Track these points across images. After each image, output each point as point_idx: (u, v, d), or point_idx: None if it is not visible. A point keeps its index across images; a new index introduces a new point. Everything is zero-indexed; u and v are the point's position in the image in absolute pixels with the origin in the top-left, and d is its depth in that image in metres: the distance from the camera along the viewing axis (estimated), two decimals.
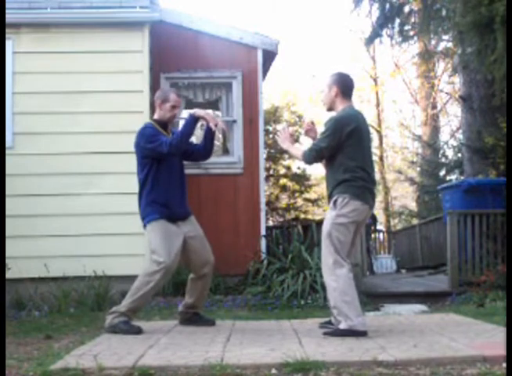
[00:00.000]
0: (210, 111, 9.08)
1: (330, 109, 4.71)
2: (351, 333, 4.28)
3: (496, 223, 7.83)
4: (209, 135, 5.08)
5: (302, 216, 16.80)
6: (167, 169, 4.93)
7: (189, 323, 5.14)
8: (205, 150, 5.13)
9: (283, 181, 16.43)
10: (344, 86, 4.64)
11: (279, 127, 15.57)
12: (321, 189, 24.14)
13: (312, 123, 4.94)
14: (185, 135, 4.88)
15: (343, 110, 4.60)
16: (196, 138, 10.10)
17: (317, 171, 25.40)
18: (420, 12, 12.14)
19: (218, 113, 8.88)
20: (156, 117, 5.09)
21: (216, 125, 4.95)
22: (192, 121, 4.90)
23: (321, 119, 29.00)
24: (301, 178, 18.95)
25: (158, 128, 4.97)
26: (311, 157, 4.61)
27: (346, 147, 4.49)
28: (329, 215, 4.53)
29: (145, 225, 4.94)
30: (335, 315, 4.42)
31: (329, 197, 4.59)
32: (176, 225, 4.90)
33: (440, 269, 10.45)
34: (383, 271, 13.82)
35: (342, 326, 4.33)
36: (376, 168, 26.56)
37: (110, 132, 7.36)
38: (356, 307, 4.37)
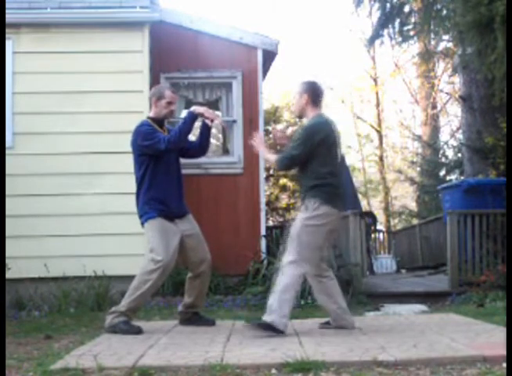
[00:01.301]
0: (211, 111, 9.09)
1: (300, 116, 4.86)
2: (272, 328, 4.39)
3: (496, 223, 7.83)
4: (205, 131, 5.09)
5: None
6: (165, 167, 4.92)
7: (188, 323, 5.14)
8: (201, 147, 5.13)
9: (282, 181, 16.42)
10: (315, 94, 4.74)
11: (279, 127, 15.55)
12: None
13: (282, 131, 5.00)
14: (183, 133, 4.88)
15: (313, 118, 4.70)
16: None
17: None
18: (420, 12, 12.14)
19: (218, 113, 8.87)
20: (151, 114, 5.08)
21: (212, 121, 4.95)
22: (192, 118, 4.91)
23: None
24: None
25: (154, 126, 4.97)
26: (284, 164, 4.73)
27: (317, 154, 4.60)
28: (300, 216, 4.64)
29: (142, 224, 4.95)
30: (268, 304, 4.51)
31: (302, 201, 4.68)
32: (174, 224, 4.90)
33: (440, 269, 10.45)
34: (383, 271, 13.80)
35: (267, 318, 4.45)
36: (376, 168, 26.64)
37: (110, 132, 7.36)
38: (287, 308, 4.46)
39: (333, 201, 4.62)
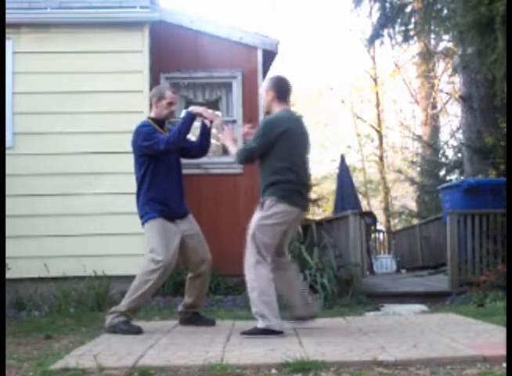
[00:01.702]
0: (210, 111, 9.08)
1: (268, 112, 4.82)
2: (269, 332, 4.37)
3: (496, 223, 7.83)
4: (205, 131, 5.09)
5: None
6: (165, 167, 4.92)
7: (189, 323, 5.13)
8: (201, 147, 5.14)
9: None
10: (280, 90, 4.72)
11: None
12: (321, 189, 24.20)
13: (251, 127, 4.97)
14: (182, 133, 4.88)
15: (276, 113, 4.68)
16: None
17: (317, 171, 25.50)
18: (420, 12, 12.13)
19: (218, 113, 8.87)
20: (152, 114, 5.08)
21: (211, 122, 4.95)
22: (190, 118, 4.91)
23: (321, 119, 29.00)
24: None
25: (155, 126, 4.97)
26: (242, 156, 4.72)
27: (276, 149, 4.56)
28: (256, 216, 4.62)
29: (143, 224, 4.95)
30: (253, 313, 4.52)
31: (260, 198, 4.67)
32: (174, 224, 4.90)
33: (440, 269, 10.45)
34: (383, 271, 13.81)
35: (260, 325, 4.43)
36: (376, 168, 26.64)
37: (110, 132, 7.36)
38: (274, 308, 4.47)
39: (292, 199, 4.56)
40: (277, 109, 4.70)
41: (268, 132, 4.57)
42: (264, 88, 4.79)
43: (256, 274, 4.50)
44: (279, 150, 4.55)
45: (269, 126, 4.60)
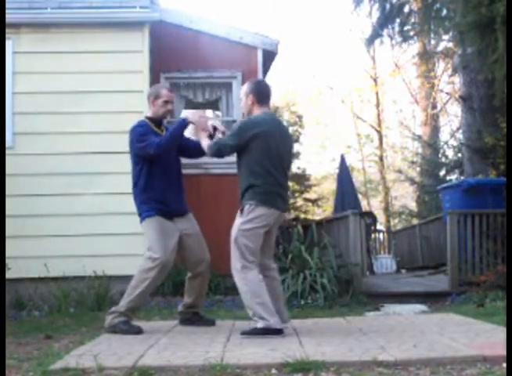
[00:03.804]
0: (209, 111, 9.08)
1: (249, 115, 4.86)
2: (269, 331, 4.40)
3: (496, 223, 7.83)
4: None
5: (302, 216, 16.81)
6: (163, 166, 4.92)
7: (189, 323, 5.13)
8: (200, 147, 5.12)
9: None
10: (260, 94, 4.77)
11: None
12: (321, 190, 24.20)
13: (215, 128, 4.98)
14: (174, 138, 4.89)
15: (256, 115, 4.72)
16: None
17: (317, 171, 25.51)
18: (420, 12, 12.14)
19: (219, 113, 8.87)
20: (149, 114, 5.07)
21: (212, 131, 4.93)
22: (183, 125, 4.90)
23: (320, 118, 28.97)
24: (301, 179, 18.95)
25: (151, 126, 4.96)
26: (213, 150, 4.76)
27: (252, 151, 4.60)
28: (237, 221, 4.67)
29: (141, 222, 4.94)
30: (251, 316, 4.55)
31: (240, 203, 4.69)
32: (172, 222, 4.90)
33: (440, 269, 10.44)
34: (383, 271, 13.80)
35: (260, 325, 4.46)
36: (376, 168, 26.64)
37: (110, 132, 7.36)
38: (269, 307, 4.49)
39: (271, 201, 4.60)
40: (257, 112, 4.74)
41: (243, 132, 4.62)
42: (243, 92, 4.83)
43: (244, 278, 4.54)
44: (255, 152, 4.59)
45: (246, 126, 4.65)
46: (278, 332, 4.42)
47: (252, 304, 4.50)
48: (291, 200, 16.69)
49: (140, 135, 4.87)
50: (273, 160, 4.63)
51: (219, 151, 4.74)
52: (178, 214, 4.96)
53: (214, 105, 8.90)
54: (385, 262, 14.75)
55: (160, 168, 4.91)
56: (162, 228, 4.82)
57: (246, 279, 4.53)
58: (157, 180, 4.90)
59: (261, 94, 4.78)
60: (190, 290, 5.10)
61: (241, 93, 4.89)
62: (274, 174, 4.63)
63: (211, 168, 8.21)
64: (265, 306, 4.48)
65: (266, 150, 4.59)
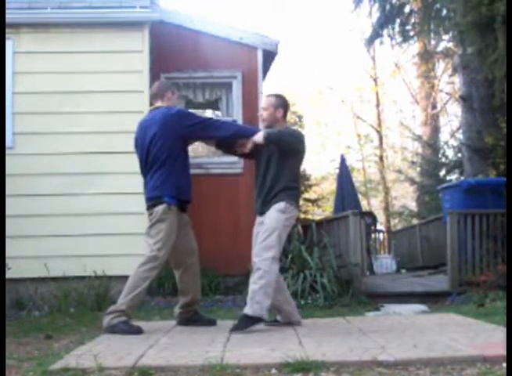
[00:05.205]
0: (209, 112, 9.07)
1: (270, 126, 5.01)
2: (259, 320, 4.67)
3: (496, 223, 7.83)
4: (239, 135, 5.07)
5: (302, 216, 16.79)
6: (187, 154, 5.01)
7: (190, 322, 5.11)
8: (223, 141, 5.09)
9: None
10: (287, 110, 5.13)
11: None
12: (321, 190, 24.17)
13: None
14: (241, 134, 5.01)
15: (288, 128, 5.16)
16: None
17: (317, 171, 25.48)
18: (420, 12, 12.14)
19: (218, 113, 8.88)
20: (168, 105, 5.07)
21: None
22: (253, 132, 4.94)
23: (320, 118, 28.89)
24: (301, 179, 18.90)
25: None
26: (274, 134, 4.84)
27: (299, 160, 5.02)
28: (278, 216, 4.78)
29: (159, 199, 4.81)
30: (250, 294, 4.72)
31: (272, 196, 4.82)
32: (180, 217, 4.93)
33: (440, 269, 10.44)
34: (383, 271, 13.79)
35: (251, 312, 4.64)
36: (376, 168, 26.64)
37: (110, 132, 7.36)
38: (269, 302, 4.71)
39: (298, 207, 4.98)
40: (281, 125, 4.99)
41: (298, 142, 4.92)
42: (271, 103, 4.99)
43: (270, 267, 4.67)
44: (300, 161, 5.03)
45: (300, 139, 4.98)
46: (261, 321, 4.69)
47: (261, 290, 4.64)
48: None
49: (193, 113, 5.09)
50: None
51: (277, 139, 4.83)
52: (186, 206, 5.03)
53: (214, 105, 8.91)
54: (385, 262, 14.74)
55: (186, 156, 5.00)
56: (173, 228, 4.84)
57: (271, 268, 4.68)
58: (185, 167, 4.96)
59: (287, 110, 5.11)
60: (184, 288, 5.08)
61: (266, 103, 5.03)
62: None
63: (212, 167, 8.22)
64: (269, 299, 4.68)
65: (301, 163, 5.09)
